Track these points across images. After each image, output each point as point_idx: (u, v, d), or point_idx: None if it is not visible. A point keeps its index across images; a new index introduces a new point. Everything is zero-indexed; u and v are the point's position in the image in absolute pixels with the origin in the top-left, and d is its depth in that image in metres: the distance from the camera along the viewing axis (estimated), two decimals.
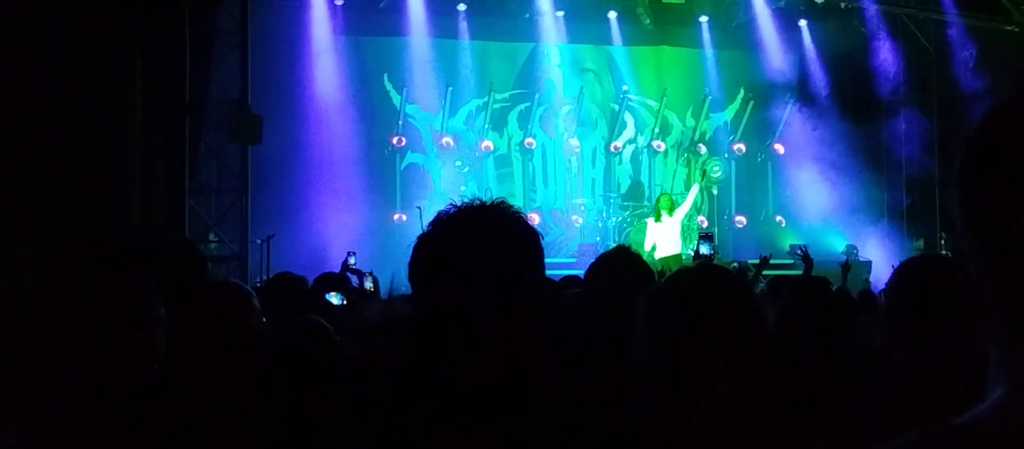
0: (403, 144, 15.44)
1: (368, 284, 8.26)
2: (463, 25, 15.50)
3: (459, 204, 1.78)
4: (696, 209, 15.43)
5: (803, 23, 16.15)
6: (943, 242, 14.67)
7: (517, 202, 15.70)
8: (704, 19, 16.28)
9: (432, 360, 1.67)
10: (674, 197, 14.66)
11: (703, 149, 16.59)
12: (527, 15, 15.64)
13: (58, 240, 8.67)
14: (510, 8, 15.59)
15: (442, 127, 15.61)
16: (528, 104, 16.10)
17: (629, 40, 16.21)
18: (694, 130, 16.72)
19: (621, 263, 3.11)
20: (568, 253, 14.94)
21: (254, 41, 13.03)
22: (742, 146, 16.58)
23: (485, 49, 15.92)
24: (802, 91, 16.08)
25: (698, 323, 1.83)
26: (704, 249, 9.27)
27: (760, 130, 16.65)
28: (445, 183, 15.44)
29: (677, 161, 16.78)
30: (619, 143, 16.40)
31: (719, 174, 16.37)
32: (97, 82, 10.16)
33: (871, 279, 12.72)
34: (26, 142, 9.55)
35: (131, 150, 10.99)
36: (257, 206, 12.89)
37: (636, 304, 1.95)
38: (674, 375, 1.82)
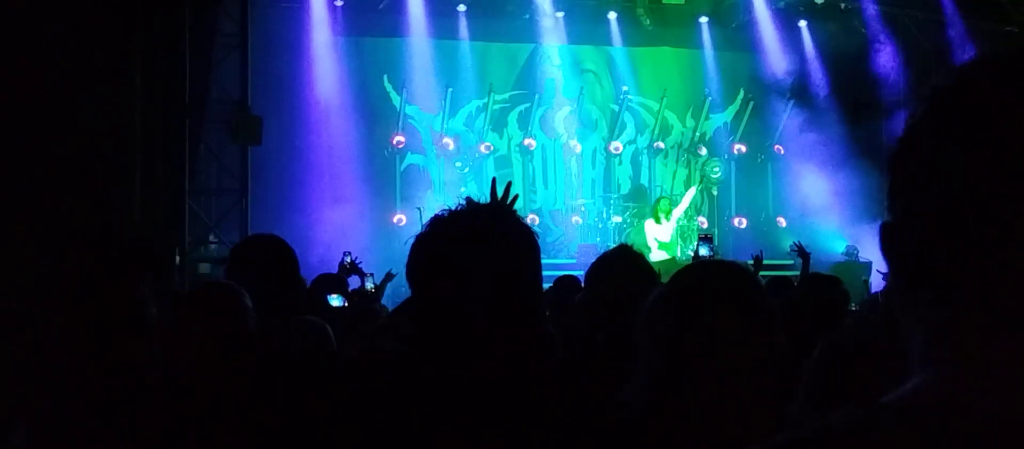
0: (403, 145, 15.44)
1: (369, 285, 8.25)
2: (463, 26, 15.49)
3: (456, 205, 1.78)
4: (695, 210, 15.43)
5: (803, 24, 16.15)
6: None
7: (516, 203, 15.73)
8: (704, 20, 16.27)
9: (431, 360, 1.67)
10: (674, 197, 14.68)
11: (703, 150, 16.59)
12: (527, 16, 15.64)
13: (58, 241, 8.67)
14: (510, 9, 15.59)
15: (442, 128, 15.61)
16: (528, 105, 16.10)
17: (629, 41, 16.21)
18: (694, 131, 16.72)
19: (624, 262, 3.10)
20: (568, 254, 14.94)
21: (254, 42, 13.03)
22: (742, 147, 16.58)
23: (485, 50, 15.91)
24: (802, 92, 16.08)
25: (698, 317, 1.82)
26: (703, 250, 9.25)
27: (760, 131, 16.65)
28: (445, 184, 15.43)
29: (677, 162, 16.77)
30: (619, 144, 16.40)
31: (719, 175, 16.37)
32: (97, 83, 10.16)
33: (870, 280, 12.71)
34: (26, 143, 9.54)
35: (131, 151, 10.99)
36: (257, 207, 12.89)
37: (639, 303, 1.95)
38: (673, 369, 1.82)
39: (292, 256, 3.55)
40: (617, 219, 15.33)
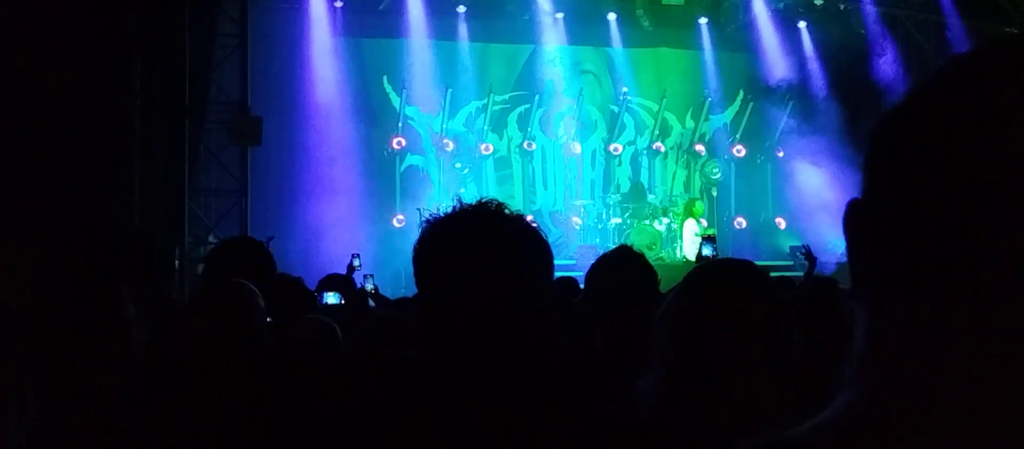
0: (403, 146, 15.44)
1: (369, 285, 8.28)
2: (462, 27, 15.50)
3: (459, 206, 1.78)
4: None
5: (802, 25, 16.16)
6: None
7: (517, 204, 15.76)
8: (703, 21, 16.28)
9: (437, 361, 1.67)
10: (675, 198, 14.70)
11: (703, 151, 16.60)
12: (526, 17, 15.64)
13: (57, 241, 8.66)
14: (509, 10, 15.59)
15: (442, 129, 15.61)
16: (528, 106, 16.10)
17: (628, 42, 16.22)
18: (694, 132, 16.73)
19: (625, 263, 3.10)
20: (567, 255, 14.94)
21: (254, 43, 13.04)
22: (742, 148, 16.58)
23: (485, 51, 15.92)
24: (802, 93, 16.09)
25: (718, 313, 1.83)
26: (706, 250, 9.25)
27: (760, 132, 16.66)
28: (445, 185, 15.43)
29: (677, 163, 16.78)
30: (618, 145, 16.41)
31: (718, 176, 16.37)
32: (97, 84, 10.16)
33: None
34: (26, 143, 9.54)
35: (131, 152, 10.99)
36: (257, 208, 12.89)
37: (639, 303, 1.95)
38: (691, 366, 1.82)
39: (269, 259, 3.57)
40: (616, 220, 15.32)
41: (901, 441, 0.64)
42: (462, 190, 15.21)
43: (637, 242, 13.25)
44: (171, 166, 12.10)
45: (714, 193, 16.47)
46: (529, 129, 16.10)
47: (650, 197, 15.57)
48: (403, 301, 6.86)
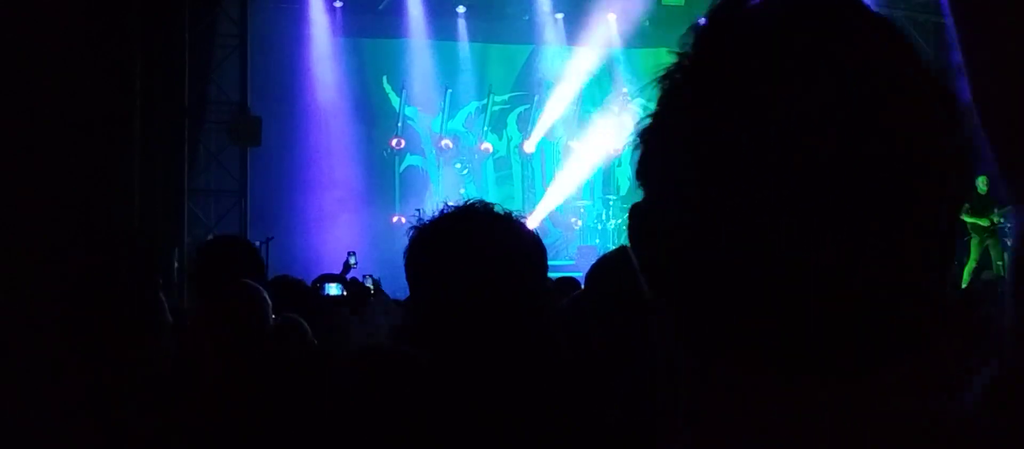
0: (402, 146, 15.43)
1: (369, 284, 8.30)
2: (462, 27, 15.50)
3: (448, 208, 1.78)
4: None
5: None
6: None
7: (516, 205, 15.78)
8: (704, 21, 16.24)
9: (432, 360, 1.67)
10: None
11: None
12: (526, 17, 15.64)
13: (57, 241, 8.66)
14: (509, 10, 15.58)
15: (441, 129, 15.61)
16: (527, 106, 16.10)
17: (629, 42, 16.21)
18: None
19: (625, 263, 3.09)
20: (567, 255, 14.93)
21: (253, 43, 13.03)
22: None
23: (484, 51, 15.91)
24: None
25: None
26: None
27: None
28: (444, 185, 15.43)
29: None
30: (619, 146, 16.39)
31: None
32: (96, 84, 10.16)
33: None
34: (24, 143, 9.54)
35: (130, 152, 10.99)
36: (256, 208, 12.89)
37: (640, 303, 1.94)
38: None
39: (257, 258, 3.58)
40: (616, 221, 15.32)
41: None
42: (462, 190, 15.22)
43: None
44: (171, 166, 12.10)
45: None
46: (529, 129, 16.10)
47: None
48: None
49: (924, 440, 0.61)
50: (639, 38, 16.16)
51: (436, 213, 1.75)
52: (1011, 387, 0.70)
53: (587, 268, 3.29)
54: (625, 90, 16.24)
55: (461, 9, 15.37)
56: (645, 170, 0.69)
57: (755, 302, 0.62)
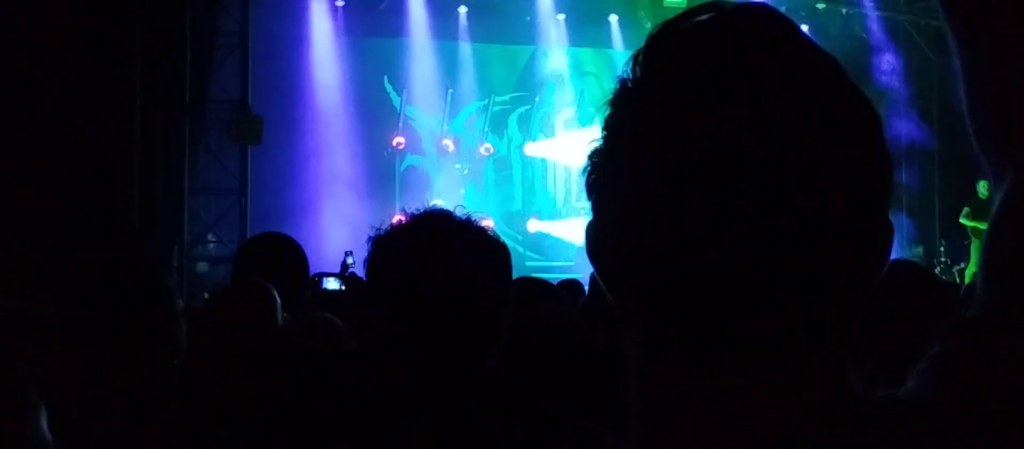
0: (403, 146, 15.43)
1: None
2: (463, 27, 15.50)
3: (410, 214, 1.83)
4: None
5: (804, 28, 16.08)
6: (943, 249, 14.68)
7: (515, 206, 15.80)
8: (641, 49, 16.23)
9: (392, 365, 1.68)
10: None
11: None
12: (528, 18, 15.64)
13: (58, 239, 8.66)
14: (511, 11, 15.58)
15: (442, 129, 15.60)
16: (528, 107, 16.10)
17: (630, 43, 16.18)
18: None
19: None
20: (566, 257, 14.94)
21: (255, 42, 13.03)
22: None
23: (485, 51, 15.91)
24: None
25: None
26: None
27: None
28: (445, 185, 15.43)
29: None
30: None
31: None
32: (96, 82, 10.16)
33: None
34: (25, 142, 9.54)
35: (130, 150, 10.99)
36: (256, 207, 12.88)
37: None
38: None
39: (301, 255, 3.56)
40: None
41: None
42: (462, 191, 15.23)
43: None
44: (171, 164, 12.09)
45: None
46: (530, 130, 16.10)
47: None
48: None
49: (841, 425, 0.66)
50: (641, 39, 15.98)
51: (391, 223, 1.80)
52: (945, 368, 0.72)
53: (587, 269, 3.28)
54: None
55: (462, 9, 15.37)
56: (592, 187, 0.76)
57: (685, 301, 0.67)
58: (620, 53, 16.30)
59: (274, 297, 2.77)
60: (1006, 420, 0.67)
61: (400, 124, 15.42)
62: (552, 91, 16.17)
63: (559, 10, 15.56)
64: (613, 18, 15.96)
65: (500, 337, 1.69)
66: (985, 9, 0.77)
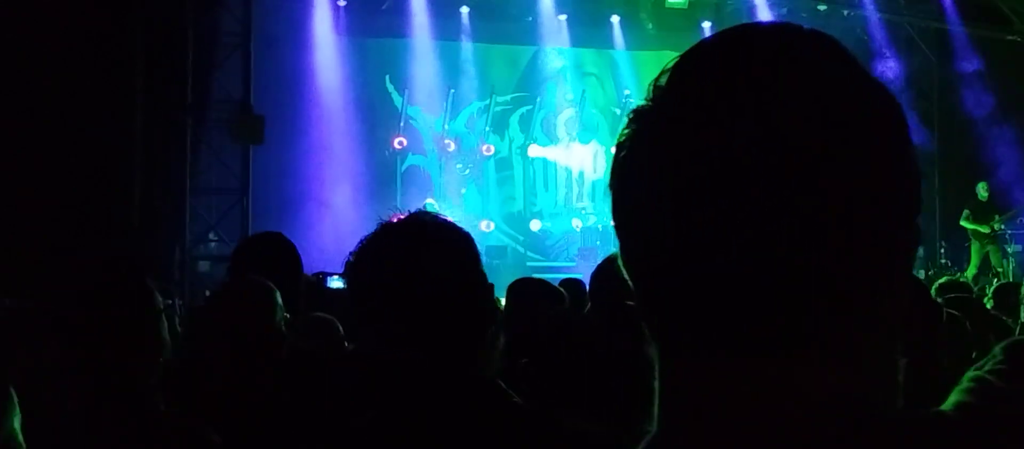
0: (404, 146, 15.44)
1: None
2: (465, 27, 15.51)
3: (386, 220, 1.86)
4: None
5: None
6: (943, 251, 14.69)
7: (517, 206, 15.80)
8: (707, 24, 16.25)
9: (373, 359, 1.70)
10: None
11: None
12: (529, 18, 15.65)
13: (59, 239, 8.67)
14: (512, 11, 15.60)
15: (443, 129, 15.61)
16: (530, 107, 16.11)
17: (632, 44, 16.21)
18: None
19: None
20: (568, 257, 14.95)
21: (257, 41, 13.03)
22: None
23: (487, 51, 15.92)
24: None
25: None
26: None
27: None
28: (446, 186, 15.44)
29: None
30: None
31: None
32: (98, 82, 10.17)
33: None
34: (27, 141, 9.55)
35: (132, 150, 10.99)
36: (258, 207, 12.88)
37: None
38: None
39: (295, 255, 3.55)
40: None
41: None
42: (463, 191, 15.24)
43: None
44: (172, 164, 12.09)
45: None
46: (531, 132, 16.11)
47: None
48: None
49: (833, 412, 0.69)
50: (642, 40, 16.17)
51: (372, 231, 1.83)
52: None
53: (588, 269, 3.29)
54: (627, 92, 16.25)
55: (464, 9, 15.38)
56: (621, 198, 0.79)
57: (695, 302, 0.71)
58: (621, 54, 16.31)
59: (275, 296, 2.77)
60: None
61: (401, 124, 15.44)
62: (553, 92, 16.18)
63: (561, 11, 15.57)
64: (615, 19, 15.97)
65: (483, 328, 1.71)
66: None
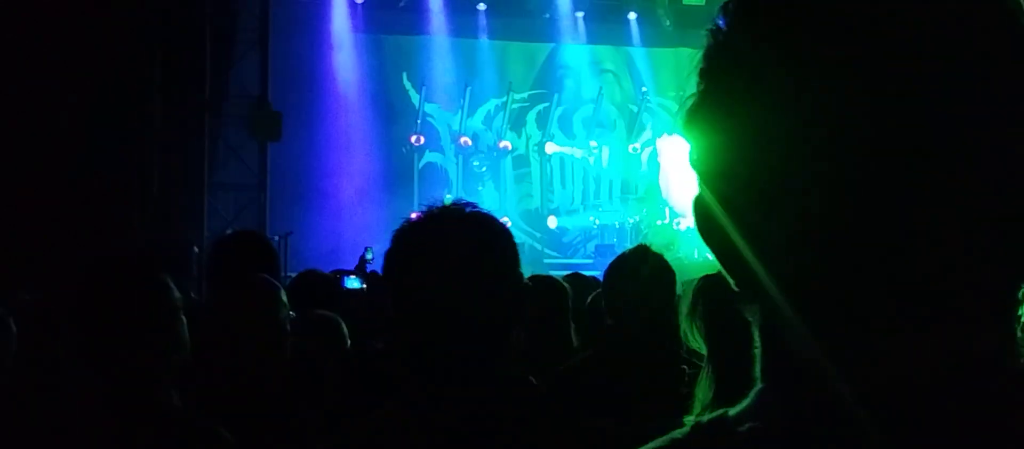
0: (421, 143, 15.45)
1: None
2: (483, 24, 15.50)
3: (423, 210, 1.83)
4: None
5: None
6: None
7: (534, 203, 15.78)
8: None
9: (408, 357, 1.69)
10: None
11: None
12: (547, 15, 15.63)
13: (77, 235, 8.71)
14: (530, 8, 15.58)
15: (460, 126, 15.61)
16: (547, 104, 16.09)
17: (649, 41, 16.16)
18: None
19: (644, 262, 3.07)
20: (585, 254, 14.91)
21: (274, 38, 13.06)
22: None
23: (504, 49, 15.91)
24: None
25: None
26: None
27: None
28: (463, 182, 15.43)
29: None
30: (638, 145, 16.36)
31: None
32: (117, 79, 10.21)
33: None
34: (46, 138, 9.60)
35: (149, 146, 11.04)
36: (275, 203, 12.92)
37: (658, 303, 1.94)
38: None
39: (274, 254, 3.52)
40: (634, 220, 15.29)
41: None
42: (480, 188, 15.24)
43: (654, 242, 13.19)
44: (190, 160, 12.14)
45: None
46: (548, 129, 16.09)
47: None
48: None
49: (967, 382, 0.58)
50: (659, 37, 16.12)
51: (409, 219, 1.80)
52: None
53: (604, 267, 3.26)
54: (644, 89, 16.21)
55: (482, 6, 15.37)
56: (706, 151, 0.67)
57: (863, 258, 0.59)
58: (639, 51, 16.26)
59: (280, 294, 2.76)
60: None
61: (418, 121, 15.44)
62: (571, 88, 16.15)
63: (578, 7, 15.54)
64: (632, 16, 15.92)
65: (518, 323, 1.69)
66: None
